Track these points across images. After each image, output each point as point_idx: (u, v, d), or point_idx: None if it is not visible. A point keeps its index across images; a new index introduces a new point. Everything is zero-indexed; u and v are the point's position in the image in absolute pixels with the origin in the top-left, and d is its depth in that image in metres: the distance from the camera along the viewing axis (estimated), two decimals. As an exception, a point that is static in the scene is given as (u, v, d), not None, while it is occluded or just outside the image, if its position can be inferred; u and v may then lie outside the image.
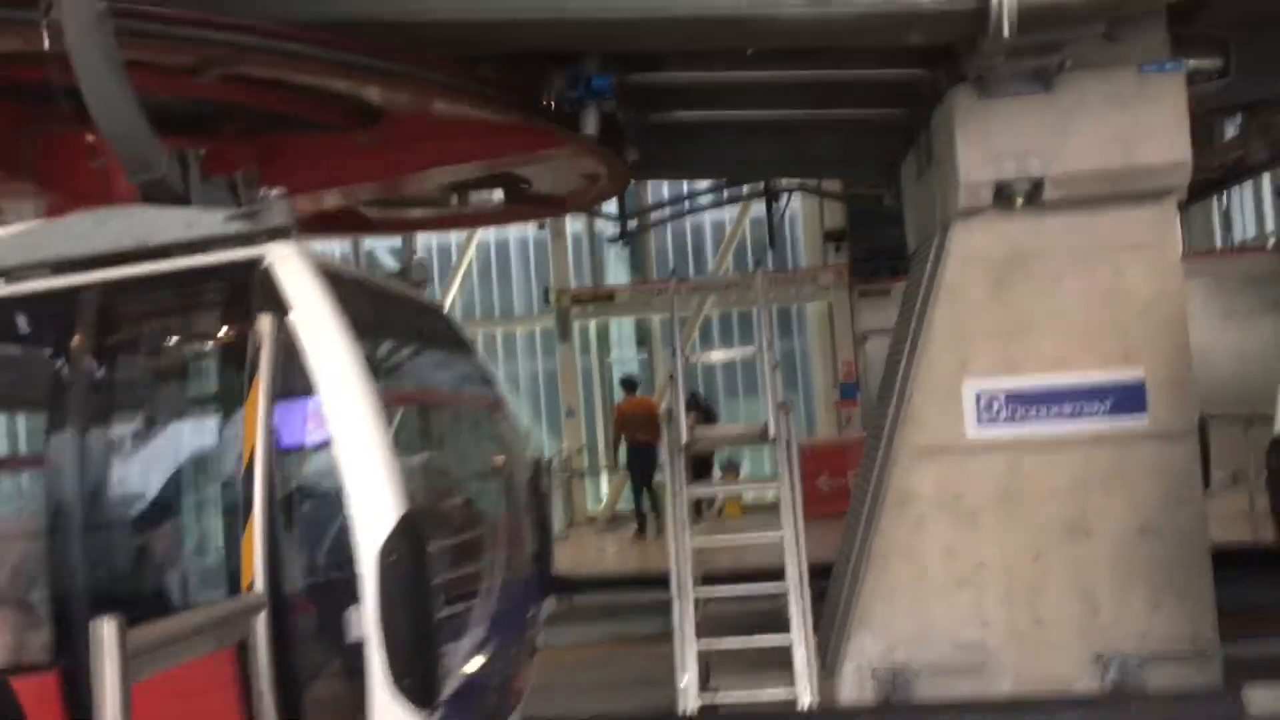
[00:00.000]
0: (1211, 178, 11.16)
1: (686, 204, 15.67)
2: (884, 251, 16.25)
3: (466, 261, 19.67)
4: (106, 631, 2.38)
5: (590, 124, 6.46)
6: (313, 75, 5.55)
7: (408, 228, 12.74)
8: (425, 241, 19.60)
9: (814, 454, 15.86)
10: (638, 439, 15.15)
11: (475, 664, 3.99)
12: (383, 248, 20.41)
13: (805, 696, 6.32)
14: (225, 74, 5.37)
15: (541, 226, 17.77)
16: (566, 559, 13.01)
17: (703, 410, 15.71)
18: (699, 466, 15.22)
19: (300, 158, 7.66)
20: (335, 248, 18.23)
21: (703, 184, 14.06)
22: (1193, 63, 6.53)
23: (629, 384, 16.22)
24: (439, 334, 4.93)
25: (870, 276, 17.56)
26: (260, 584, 3.30)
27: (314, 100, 6.27)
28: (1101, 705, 5.87)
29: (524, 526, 4.93)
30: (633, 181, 12.28)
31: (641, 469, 15.18)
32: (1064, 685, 6.30)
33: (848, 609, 6.67)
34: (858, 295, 17.93)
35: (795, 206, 18.13)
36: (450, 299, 19.70)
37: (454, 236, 19.19)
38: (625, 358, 20.26)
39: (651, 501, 15.20)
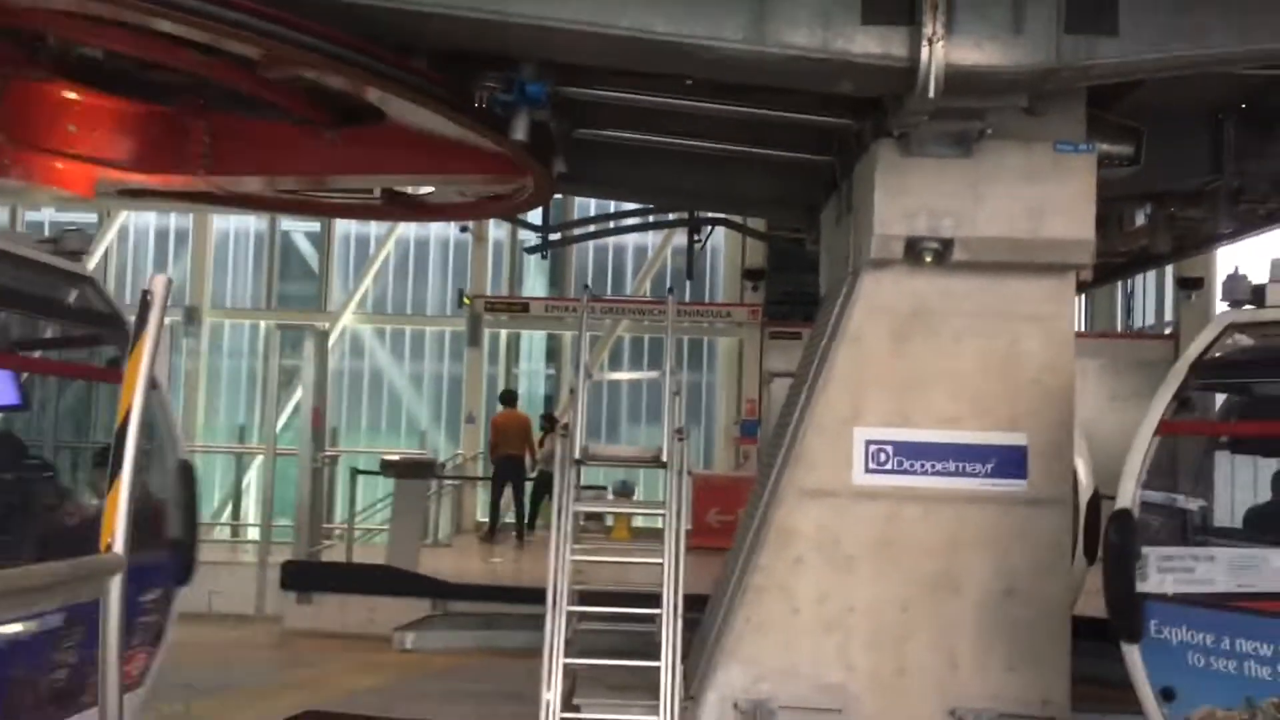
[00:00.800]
0: (1118, 263, 11.61)
1: (611, 224, 15.72)
2: (799, 295, 16.51)
3: (384, 254, 19.47)
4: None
5: (520, 129, 6.45)
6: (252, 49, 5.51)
7: (324, 212, 12.70)
8: (343, 229, 19.39)
9: (708, 487, 15.99)
10: (509, 452, 15.45)
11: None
12: (300, 231, 20.16)
13: (666, 721, 6.35)
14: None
15: (464, 229, 17.68)
16: (449, 566, 12.92)
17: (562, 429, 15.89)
18: (547, 484, 15.61)
19: (257, 142, 7.74)
20: None
21: (631, 205, 14.16)
22: (1105, 146, 6.78)
23: (508, 397, 16.39)
24: (76, 304, 5.08)
25: (783, 319, 17.81)
26: (120, 545, 3.22)
27: (290, 91, 6.30)
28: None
29: (153, 510, 5.21)
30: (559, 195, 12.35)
31: (510, 480, 15.51)
32: (918, 735, 6.43)
33: (718, 639, 6.71)
34: (769, 336, 18.16)
35: (719, 241, 18.33)
36: (362, 290, 19.47)
37: (374, 227, 19.01)
38: (533, 370, 20.23)
39: (519, 511, 15.51)
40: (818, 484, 6.68)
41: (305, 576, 10.89)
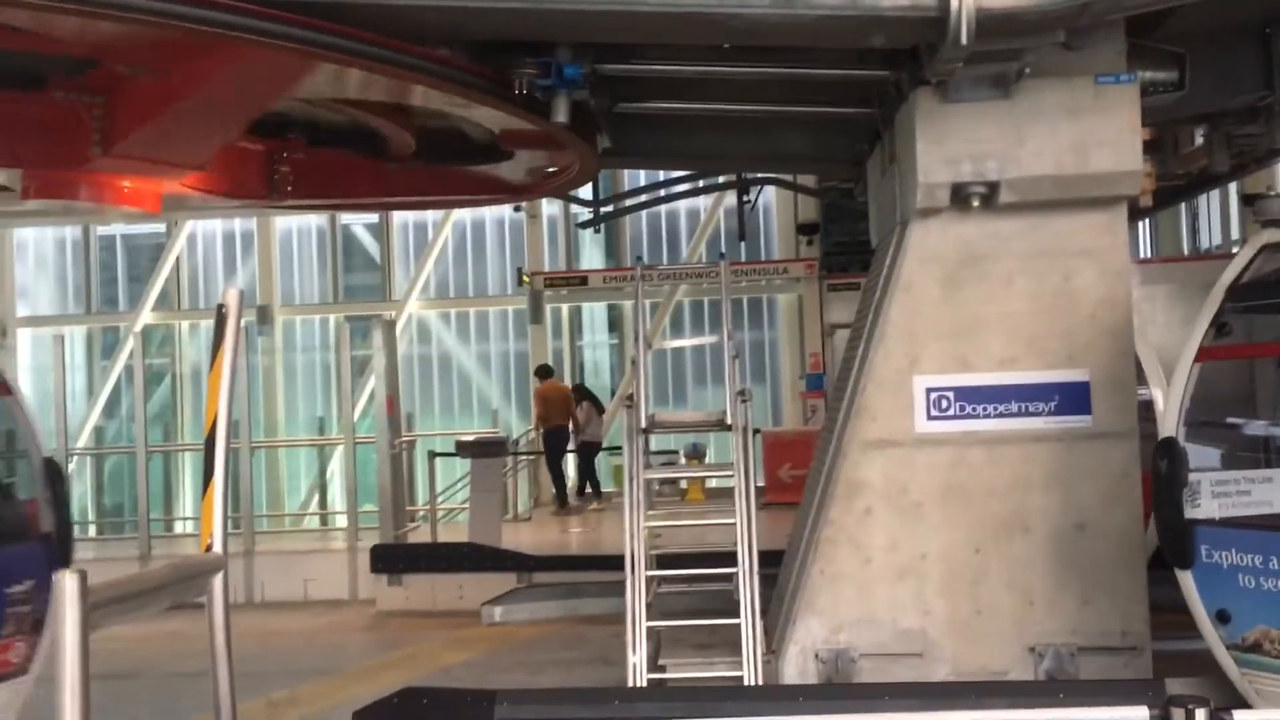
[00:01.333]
0: (1179, 185, 11.42)
1: (662, 192, 15.80)
2: (855, 246, 16.50)
3: (442, 240, 19.77)
4: (69, 583, 2.52)
5: (561, 112, 6.59)
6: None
7: (385, 208, 13.05)
8: (401, 219, 19.72)
9: (778, 444, 16.13)
10: (553, 423, 15.82)
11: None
12: (359, 223, 20.54)
13: (749, 676, 6.53)
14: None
15: (517, 209, 17.90)
16: (530, 539, 13.23)
17: (592, 400, 16.52)
18: (587, 453, 16.12)
19: (332, 171, 8.30)
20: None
21: (679, 173, 14.23)
22: (1148, 75, 6.73)
23: (546, 370, 16.73)
24: None
25: (840, 271, 17.79)
26: (219, 544, 3.46)
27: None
28: (1029, 691, 6.09)
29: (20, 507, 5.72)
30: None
31: (555, 450, 15.97)
32: (999, 674, 6.51)
33: (795, 593, 6.86)
34: (827, 288, 18.17)
35: (770, 198, 18.34)
36: (424, 276, 19.79)
37: (430, 215, 19.31)
38: (597, 341, 20.44)
39: (561, 482, 16.13)
40: (881, 435, 6.77)
41: (393, 559, 11.24)
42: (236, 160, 8.03)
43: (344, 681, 8.27)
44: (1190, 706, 2.16)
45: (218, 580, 3.44)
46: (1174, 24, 6.83)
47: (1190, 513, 5.21)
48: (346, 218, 20.17)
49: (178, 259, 20.33)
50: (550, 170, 9.06)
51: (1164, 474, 5.27)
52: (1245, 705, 5.08)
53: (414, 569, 11.11)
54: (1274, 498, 5.45)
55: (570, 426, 16.03)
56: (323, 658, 9.28)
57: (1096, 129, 6.49)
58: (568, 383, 17.62)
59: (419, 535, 12.84)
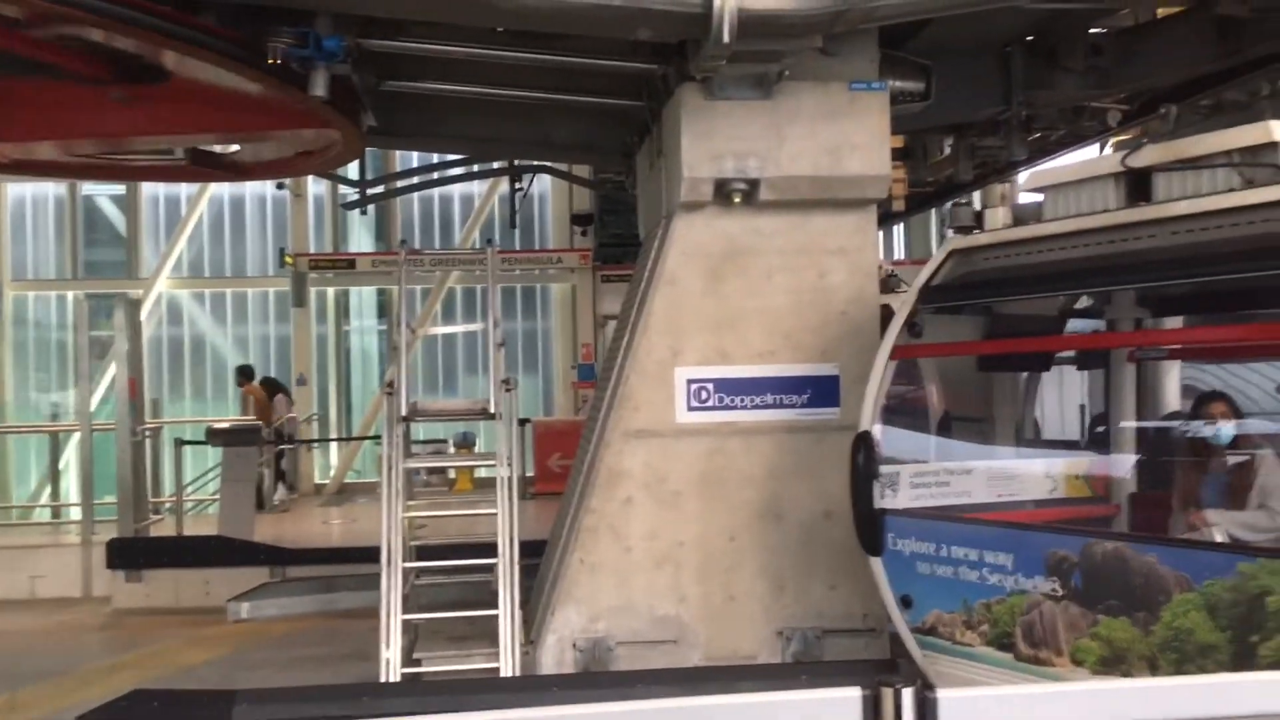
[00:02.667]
0: (929, 192, 12.12)
1: (435, 175, 15.48)
2: (630, 238, 16.58)
3: (196, 215, 18.69)
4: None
5: (319, 86, 6.30)
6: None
7: (130, 176, 12.15)
8: (151, 191, 18.52)
9: (549, 433, 16.14)
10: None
11: None
12: (104, 194, 19.16)
13: (506, 667, 6.46)
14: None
15: (280, 186, 17.11)
16: (286, 531, 12.71)
17: (285, 393, 16.49)
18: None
19: (39, 104, 7.27)
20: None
21: (453, 156, 13.96)
22: (897, 84, 7.07)
23: (248, 372, 16.56)
24: None
25: (614, 262, 17.93)
26: None
27: (65, 49, 5.92)
28: (774, 673, 6.31)
29: None
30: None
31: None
32: (749, 658, 6.72)
33: (554, 583, 6.84)
34: (601, 279, 18.29)
35: (546, 187, 18.28)
36: (176, 254, 18.67)
37: (184, 188, 18.20)
38: (365, 327, 19.86)
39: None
40: (643, 425, 6.84)
41: (132, 553, 10.54)
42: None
43: (72, 684, 7.69)
44: (898, 686, 2.26)
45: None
46: (925, 38, 7.22)
47: (879, 502, 5.53)
48: (89, 188, 18.76)
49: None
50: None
51: (858, 465, 5.57)
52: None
53: (156, 564, 10.46)
54: (973, 488, 5.88)
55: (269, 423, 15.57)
56: (50, 659, 8.59)
57: (850, 133, 6.76)
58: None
59: (163, 529, 12.08)
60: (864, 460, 5.60)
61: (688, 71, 6.52)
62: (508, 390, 7.34)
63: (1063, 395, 6.60)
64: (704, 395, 6.89)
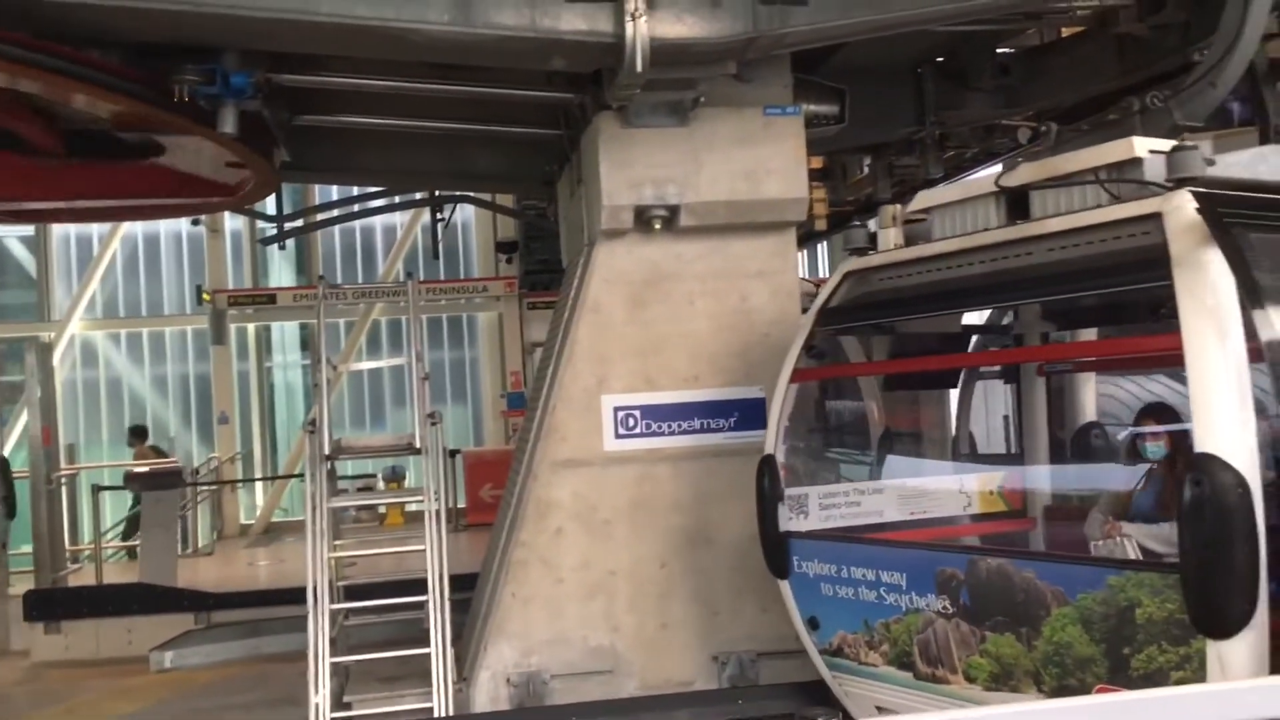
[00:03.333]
0: (849, 211, 12.27)
1: (355, 207, 15.31)
2: (556, 265, 16.49)
3: (109, 254, 18.26)
4: None
5: (228, 123, 6.19)
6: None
7: (33, 219, 11.81)
8: (61, 231, 18.07)
9: (479, 464, 16.00)
10: None
11: None
12: (13, 236, 18.65)
13: (439, 707, 6.35)
14: None
15: (195, 222, 16.79)
16: (210, 576, 12.41)
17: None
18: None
19: None
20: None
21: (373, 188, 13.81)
22: (812, 108, 7.16)
23: (142, 432, 16.07)
24: None
25: (541, 288, 17.86)
26: None
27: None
28: (708, 699, 6.29)
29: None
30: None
31: None
32: (686, 684, 6.68)
33: (486, 617, 6.75)
34: (528, 306, 18.20)
35: (469, 216, 18.20)
36: (89, 294, 18.21)
37: (96, 228, 17.79)
38: (288, 362, 19.53)
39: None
40: (571, 454, 6.79)
41: (50, 605, 10.19)
42: None
43: (-15, 745, 7.40)
44: (819, 718, 2.25)
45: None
46: (838, 62, 7.32)
47: (784, 525, 5.55)
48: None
49: None
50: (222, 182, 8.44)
51: (762, 489, 5.58)
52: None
53: (75, 614, 10.12)
54: (884, 508, 5.92)
55: None
56: (-39, 720, 8.27)
57: (766, 158, 6.82)
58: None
59: (82, 578, 11.72)
60: (768, 484, 5.61)
61: (604, 100, 6.53)
62: (433, 424, 7.25)
63: (968, 410, 6.66)
64: (631, 423, 6.88)
